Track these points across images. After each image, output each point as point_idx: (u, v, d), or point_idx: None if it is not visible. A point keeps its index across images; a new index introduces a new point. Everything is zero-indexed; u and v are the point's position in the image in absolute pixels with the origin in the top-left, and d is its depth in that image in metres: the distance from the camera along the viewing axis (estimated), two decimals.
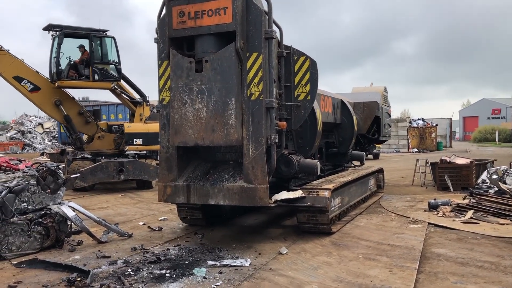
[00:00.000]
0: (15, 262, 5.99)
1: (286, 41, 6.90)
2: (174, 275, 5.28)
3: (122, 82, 14.64)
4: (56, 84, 13.35)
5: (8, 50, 12.50)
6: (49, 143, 39.09)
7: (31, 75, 12.83)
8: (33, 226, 6.49)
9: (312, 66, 6.98)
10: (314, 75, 6.98)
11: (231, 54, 6.13)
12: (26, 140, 38.12)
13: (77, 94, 35.23)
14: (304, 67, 6.98)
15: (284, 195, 6.81)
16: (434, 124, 37.37)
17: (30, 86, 12.73)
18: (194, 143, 6.38)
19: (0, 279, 5.39)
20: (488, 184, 11.03)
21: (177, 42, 6.60)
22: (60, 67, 13.42)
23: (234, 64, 6.12)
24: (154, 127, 14.15)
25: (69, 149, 15.74)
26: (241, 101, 6.24)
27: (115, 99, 16.46)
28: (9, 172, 6.77)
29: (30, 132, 39.92)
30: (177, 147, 6.66)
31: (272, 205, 6.57)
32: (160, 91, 6.82)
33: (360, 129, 11.57)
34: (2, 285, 5.13)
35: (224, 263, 5.72)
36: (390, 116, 14.26)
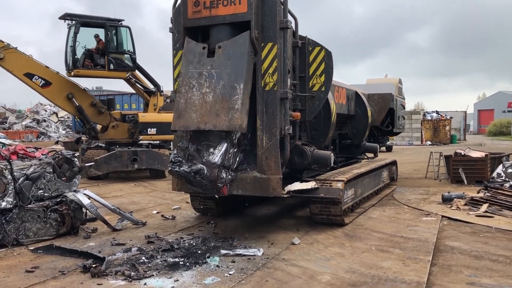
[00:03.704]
0: (32, 248, 6.11)
1: (300, 31, 6.86)
2: (187, 263, 5.34)
3: (137, 72, 14.71)
4: (72, 73, 13.45)
5: (16, 47, 12.44)
6: (64, 131, 39.49)
7: (41, 71, 12.80)
8: (49, 213, 6.60)
9: (327, 56, 6.92)
10: (329, 66, 6.93)
11: (245, 41, 6.10)
12: (41, 129, 38.55)
13: (91, 83, 35.32)
14: (319, 57, 6.94)
15: (297, 186, 6.81)
16: (448, 117, 36.93)
17: (41, 81, 12.72)
18: (196, 127, 6.08)
19: (18, 263, 5.51)
20: (503, 178, 10.92)
21: (192, 31, 6.60)
22: (76, 56, 13.51)
23: (247, 52, 6.08)
24: (168, 117, 14.21)
25: (83, 138, 15.88)
26: (250, 88, 6.15)
27: (128, 89, 16.56)
28: (25, 160, 6.86)
29: (45, 120, 40.34)
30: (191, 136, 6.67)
31: (285, 195, 6.57)
32: (175, 80, 6.83)
33: (374, 121, 11.48)
34: (20, 270, 5.24)
35: (237, 252, 5.76)
36: (404, 108, 14.14)
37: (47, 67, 12.97)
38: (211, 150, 6.05)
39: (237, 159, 6.28)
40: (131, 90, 16.23)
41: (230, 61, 6.10)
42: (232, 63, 6.08)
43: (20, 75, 12.51)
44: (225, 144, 6.08)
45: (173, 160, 6.13)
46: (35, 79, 12.67)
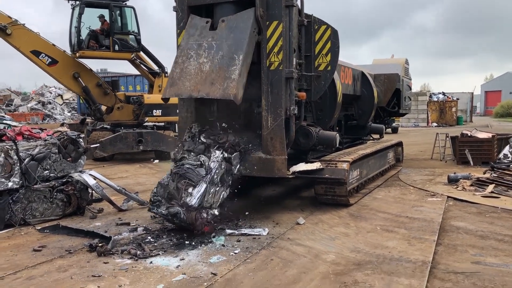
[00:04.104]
0: (39, 228, 6.16)
1: (306, 10, 6.75)
2: (193, 243, 5.36)
3: (141, 53, 14.61)
4: (78, 54, 13.37)
5: (24, 24, 12.35)
6: (69, 114, 39.52)
7: (48, 49, 12.74)
8: (55, 193, 6.64)
9: (333, 35, 6.83)
10: (335, 45, 6.84)
11: (249, 16, 6.02)
12: (46, 111, 38.59)
13: (96, 65, 35.24)
14: (325, 36, 6.85)
15: (302, 166, 6.80)
16: (454, 98, 36.63)
17: (48, 59, 12.67)
18: (188, 95, 5.97)
19: (25, 243, 5.56)
20: (510, 159, 10.85)
21: (196, 10, 6.52)
22: (80, 37, 13.42)
23: (251, 27, 6.00)
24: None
25: (88, 119, 15.89)
26: (249, 63, 6.03)
27: (132, 71, 16.47)
28: (31, 140, 6.87)
29: (50, 103, 40.37)
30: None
31: (290, 176, 6.57)
32: None
33: (380, 102, 11.38)
34: (28, 249, 5.29)
35: (242, 232, 5.78)
36: (410, 89, 13.99)
37: (54, 45, 12.91)
38: (190, 190, 5.60)
39: (221, 196, 5.86)
40: (135, 72, 16.14)
41: (233, 34, 6.00)
42: (234, 36, 5.97)
43: (27, 52, 12.45)
44: (204, 185, 5.67)
45: (152, 199, 5.91)
46: (42, 56, 12.62)
